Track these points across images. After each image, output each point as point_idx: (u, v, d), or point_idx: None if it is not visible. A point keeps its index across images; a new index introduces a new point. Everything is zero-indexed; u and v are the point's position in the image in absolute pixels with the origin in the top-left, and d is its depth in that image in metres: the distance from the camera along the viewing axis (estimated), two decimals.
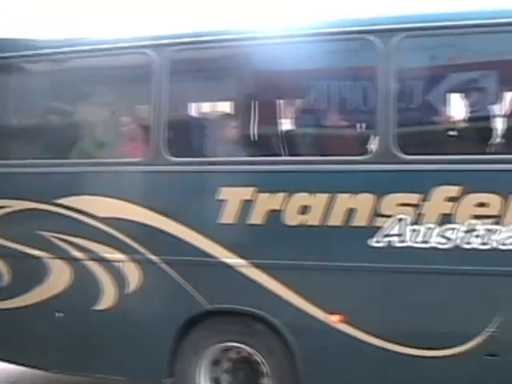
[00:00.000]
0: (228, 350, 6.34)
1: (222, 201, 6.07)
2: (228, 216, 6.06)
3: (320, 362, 6.02)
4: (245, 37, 6.22)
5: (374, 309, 5.83)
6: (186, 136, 6.59)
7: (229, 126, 6.63)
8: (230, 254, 6.07)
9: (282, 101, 7.03)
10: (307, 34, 6.05)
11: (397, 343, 5.78)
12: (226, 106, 7.14)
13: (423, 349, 5.74)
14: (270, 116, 6.89)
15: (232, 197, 6.05)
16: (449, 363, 5.70)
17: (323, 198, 5.82)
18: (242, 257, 6.05)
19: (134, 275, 6.37)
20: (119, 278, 6.41)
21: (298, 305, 5.95)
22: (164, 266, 6.26)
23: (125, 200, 6.36)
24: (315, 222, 5.85)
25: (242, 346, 6.26)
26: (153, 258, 6.28)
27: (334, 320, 5.88)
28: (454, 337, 5.68)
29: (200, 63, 6.59)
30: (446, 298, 5.68)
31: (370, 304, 5.83)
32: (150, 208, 6.28)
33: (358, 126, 6.55)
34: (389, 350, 5.80)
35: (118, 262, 6.39)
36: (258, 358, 6.22)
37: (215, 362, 6.38)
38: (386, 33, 5.77)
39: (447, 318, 5.69)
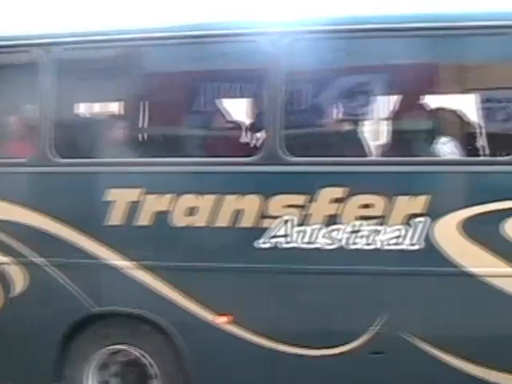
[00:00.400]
0: (116, 352, 6.27)
1: (109, 202, 6.00)
2: (115, 217, 6.00)
3: (209, 363, 6.03)
4: (133, 37, 6.15)
5: (262, 309, 5.86)
6: (74, 136, 6.48)
7: (117, 126, 6.57)
8: (116, 255, 6.01)
9: (171, 102, 6.99)
10: (196, 36, 6.03)
11: (285, 343, 5.83)
12: (114, 107, 7.06)
13: (310, 348, 5.81)
14: (158, 117, 6.86)
15: (119, 198, 5.99)
16: (336, 362, 5.79)
17: (210, 199, 5.82)
18: (129, 258, 6.00)
19: (19, 278, 6.24)
20: (4, 282, 6.27)
21: (186, 306, 5.94)
22: (50, 269, 6.15)
23: (9, 201, 6.22)
24: (203, 224, 5.85)
25: (129, 348, 6.21)
26: (39, 260, 6.16)
27: (221, 321, 5.89)
28: (340, 336, 5.76)
29: (88, 63, 6.48)
30: (332, 297, 5.76)
31: (258, 305, 5.86)
32: (36, 210, 6.16)
33: (246, 127, 6.57)
34: (277, 350, 5.85)
35: (3, 264, 6.24)
36: (147, 360, 6.17)
37: (103, 366, 6.30)
38: (275, 36, 5.79)
39: (334, 318, 5.78)
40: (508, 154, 5.59)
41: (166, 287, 5.96)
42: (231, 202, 5.80)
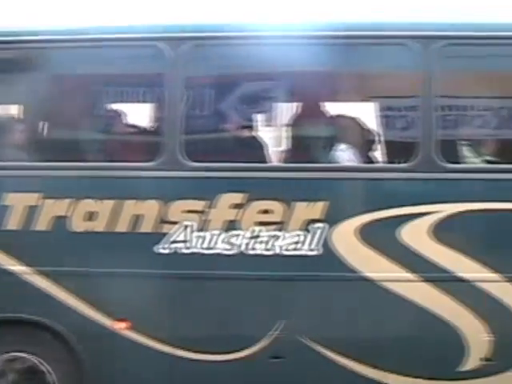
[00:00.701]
0: (13, 360, 6.13)
1: (6, 207, 5.89)
2: (13, 222, 5.89)
3: (108, 370, 5.98)
4: (33, 39, 6.05)
5: (161, 315, 5.84)
6: None
7: (15, 129, 6.45)
8: (14, 261, 5.90)
9: (71, 106, 6.90)
10: (97, 39, 5.97)
11: (184, 349, 5.83)
12: (13, 110, 6.93)
13: (211, 353, 5.82)
14: (57, 121, 6.74)
15: (17, 202, 5.88)
16: (236, 367, 5.82)
17: (110, 204, 5.78)
18: (27, 264, 5.89)
19: None
20: None
21: (85, 312, 5.87)
22: None
23: None
24: (102, 229, 5.80)
25: (27, 355, 6.09)
26: None
27: (120, 327, 5.85)
28: (239, 341, 5.79)
29: None
30: (232, 303, 5.79)
31: (157, 311, 5.83)
32: None
33: (145, 132, 6.54)
34: (177, 356, 5.84)
35: None
36: (45, 367, 6.07)
37: (0, 374, 6.17)
38: (176, 40, 5.80)
39: (233, 323, 5.81)
40: (405, 162, 5.73)
41: (64, 293, 5.88)
42: (131, 207, 5.76)
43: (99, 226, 5.80)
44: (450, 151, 5.82)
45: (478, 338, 5.68)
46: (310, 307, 5.74)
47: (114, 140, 6.46)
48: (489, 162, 6.12)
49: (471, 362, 5.73)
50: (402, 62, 5.93)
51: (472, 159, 6.24)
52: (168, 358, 5.84)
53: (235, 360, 5.79)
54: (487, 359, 5.72)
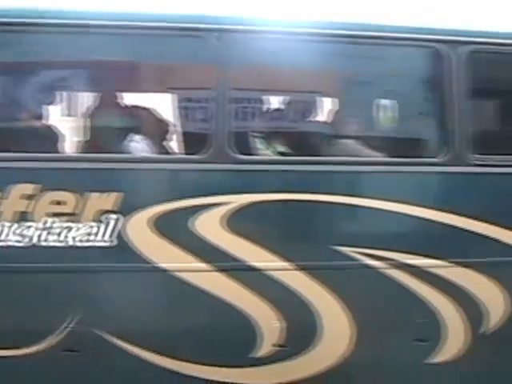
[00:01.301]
0: None
1: None
2: None
3: None
4: None
5: None
6: None
7: None
8: None
9: None
10: None
11: None
12: None
13: (1, 349, 5.67)
14: None
15: None
16: (29, 362, 5.69)
17: None
18: None
19: None
20: None
21: None
22: None
23: None
24: None
25: None
26: None
27: None
28: (32, 335, 5.67)
29: None
30: (24, 296, 5.65)
31: None
32: None
33: None
34: None
35: None
36: None
37: None
38: None
39: (25, 317, 5.66)
40: (200, 153, 5.80)
41: None
42: None
43: None
44: (242, 143, 5.95)
45: (269, 325, 5.84)
46: (104, 299, 5.69)
47: None
48: (281, 154, 6.31)
49: (264, 349, 5.88)
50: (200, 54, 5.97)
51: (264, 151, 6.42)
52: None
53: (28, 355, 5.66)
54: (280, 345, 5.89)
